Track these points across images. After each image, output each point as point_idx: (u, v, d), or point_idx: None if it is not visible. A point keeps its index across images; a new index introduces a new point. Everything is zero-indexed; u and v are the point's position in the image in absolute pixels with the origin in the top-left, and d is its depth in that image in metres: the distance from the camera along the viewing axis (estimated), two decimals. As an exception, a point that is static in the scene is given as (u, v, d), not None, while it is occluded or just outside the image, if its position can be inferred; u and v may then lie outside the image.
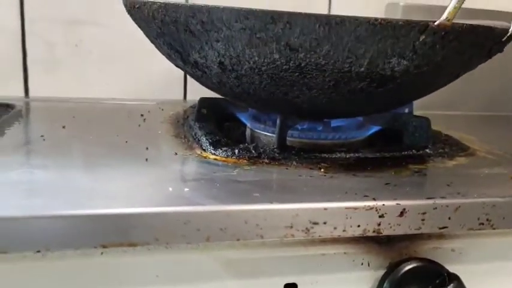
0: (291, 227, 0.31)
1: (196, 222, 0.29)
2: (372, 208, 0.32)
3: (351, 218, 0.32)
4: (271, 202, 0.31)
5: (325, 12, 0.80)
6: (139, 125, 0.54)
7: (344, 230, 0.32)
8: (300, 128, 0.50)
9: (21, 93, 0.71)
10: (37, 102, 0.64)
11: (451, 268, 0.36)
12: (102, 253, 0.31)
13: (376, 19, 0.36)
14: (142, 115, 0.59)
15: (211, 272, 0.33)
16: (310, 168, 0.40)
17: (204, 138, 0.47)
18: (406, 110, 0.56)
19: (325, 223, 0.31)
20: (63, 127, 0.50)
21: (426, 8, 0.76)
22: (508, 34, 0.42)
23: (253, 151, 0.43)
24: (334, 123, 0.51)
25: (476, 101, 0.81)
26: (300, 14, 0.36)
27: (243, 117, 0.53)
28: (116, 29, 0.72)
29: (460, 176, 0.40)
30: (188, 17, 0.39)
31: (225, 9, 0.37)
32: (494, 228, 0.34)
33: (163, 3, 0.40)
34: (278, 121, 0.45)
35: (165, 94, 0.75)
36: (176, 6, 0.39)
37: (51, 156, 0.39)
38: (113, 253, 0.31)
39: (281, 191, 0.34)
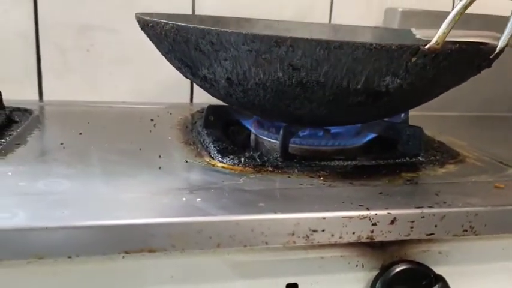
0: (293, 234, 0.35)
1: (208, 231, 0.33)
2: (365, 217, 0.35)
3: (346, 226, 0.35)
4: (275, 212, 0.35)
5: (326, 18, 0.83)
6: (150, 131, 0.57)
7: (340, 237, 0.35)
8: (301, 135, 0.53)
9: (36, 97, 0.75)
10: (51, 107, 0.67)
11: (438, 270, 0.40)
12: (123, 257, 0.34)
13: (371, 44, 0.39)
14: (152, 120, 0.62)
15: (220, 273, 0.37)
16: (311, 177, 0.44)
17: (212, 146, 0.50)
18: (402, 115, 0.59)
19: (323, 231, 0.35)
20: (80, 134, 0.54)
21: (424, 13, 0.79)
22: (495, 52, 0.45)
23: (258, 159, 0.47)
24: (333, 129, 0.54)
25: (470, 102, 0.84)
26: (301, 38, 0.39)
27: (248, 124, 0.57)
28: (126, 34, 0.76)
29: (448, 185, 0.43)
30: (199, 38, 0.42)
31: (233, 33, 0.40)
32: (476, 235, 0.38)
33: (175, 24, 0.43)
34: (281, 131, 0.48)
35: (173, 97, 0.78)
36: (188, 28, 0.42)
37: (72, 165, 0.43)
38: (133, 257, 0.34)
39: (284, 200, 0.38)
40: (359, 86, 0.42)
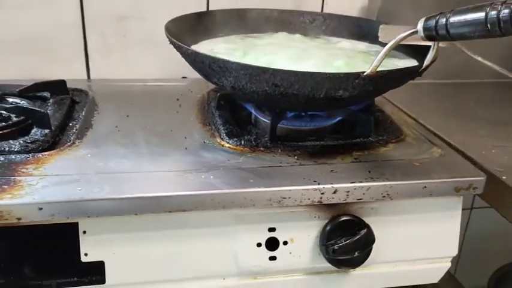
0: (270, 200, 0.56)
1: (218, 199, 0.54)
2: (316, 190, 0.57)
3: (304, 195, 0.56)
4: (259, 187, 0.56)
5: (319, 8, 0.99)
6: (177, 112, 0.78)
7: (301, 201, 0.57)
8: (288, 116, 0.73)
9: (84, 75, 0.95)
10: (99, 86, 0.87)
11: (368, 220, 0.61)
12: (169, 213, 0.56)
13: (326, 73, 0.58)
14: (178, 99, 0.82)
15: (226, 222, 0.59)
16: (289, 156, 0.64)
17: (222, 128, 0.70)
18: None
19: (289, 198, 0.56)
20: (127, 116, 0.75)
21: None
22: (423, 68, 0.64)
23: (253, 142, 0.67)
24: (310, 112, 0.74)
25: (441, 70, 1.01)
26: (280, 70, 0.58)
27: (249, 107, 0.77)
28: (154, 21, 0.94)
29: (381, 163, 0.64)
30: (210, 63, 0.62)
31: (234, 63, 0.60)
32: (392, 199, 0.59)
33: (194, 51, 0.63)
34: (270, 119, 0.68)
35: (192, 72, 0.97)
36: (203, 55, 0.62)
37: (128, 147, 0.64)
38: (174, 214, 0.56)
39: (267, 177, 0.58)
40: (321, 95, 0.61)
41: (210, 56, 0.62)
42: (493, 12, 0.49)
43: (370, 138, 0.70)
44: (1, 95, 0.75)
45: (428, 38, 0.57)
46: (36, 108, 0.67)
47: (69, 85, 0.81)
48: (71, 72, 0.94)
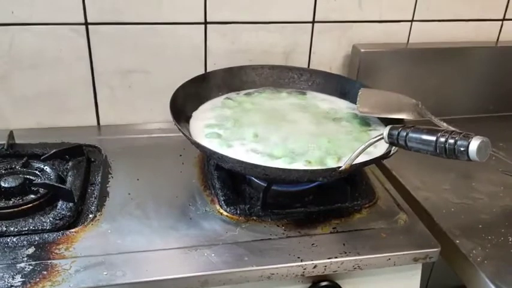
0: (261, 276, 0.69)
1: (219, 278, 0.67)
2: (299, 266, 0.69)
3: (289, 270, 0.69)
4: (252, 265, 0.68)
5: (307, 51, 1.09)
6: (180, 172, 0.89)
7: (286, 276, 0.69)
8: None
9: (94, 122, 1.06)
10: (109, 142, 0.98)
11: (342, 282, 0.74)
12: None
13: (307, 170, 0.69)
14: (180, 155, 0.94)
15: (225, 289, 0.71)
16: (277, 226, 0.77)
17: (220, 193, 0.82)
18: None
19: (277, 274, 0.69)
20: (138, 179, 0.86)
21: (380, 52, 1.06)
22: (391, 153, 0.75)
23: (247, 211, 0.79)
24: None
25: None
26: (269, 167, 0.69)
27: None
28: (156, 74, 1.04)
29: (354, 233, 0.76)
30: (211, 153, 0.73)
31: (230, 158, 0.71)
32: (361, 270, 0.72)
33: (197, 143, 0.74)
34: (262, 192, 0.80)
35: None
36: (205, 148, 0.73)
37: (141, 220, 0.76)
38: None
39: (258, 254, 0.71)
40: (305, 180, 0.73)
41: (209, 149, 0.73)
42: (442, 139, 0.60)
43: (346, 204, 0.82)
44: (26, 160, 0.86)
45: (391, 144, 0.68)
46: (63, 186, 0.78)
47: (82, 137, 0.93)
48: (83, 120, 1.05)
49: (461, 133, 0.59)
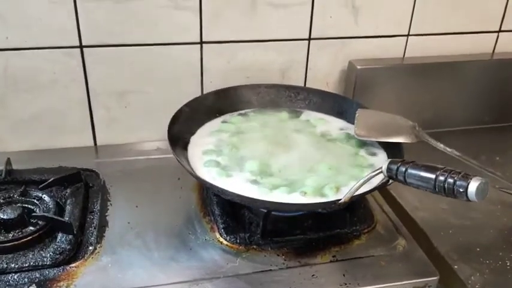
0: (263, 310, 0.69)
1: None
2: (300, 300, 0.70)
3: (290, 304, 0.70)
4: (253, 301, 0.69)
5: (303, 67, 1.08)
6: (180, 197, 0.89)
7: (287, 309, 0.70)
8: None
9: (91, 142, 1.05)
10: (106, 165, 0.97)
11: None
12: (178, 320, 0.69)
13: (306, 203, 0.70)
14: (179, 179, 0.93)
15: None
16: (277, 255, 0.77)
17: (219, 220, 0.82)
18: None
19: (278, 307, 0.70)
20: (136, 206, 0.86)
21: (376, 69, 1.06)
22: (390, 183, 0.75)
23: (247, 240, 0.79)
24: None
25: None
26: (270, 201, 0.70)
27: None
28: (152, 93, 1.03)
29: (354, 261, 0.76)
30: (211, 186, 0.73)
31: (228, 192, 0.71)
32: (361, 300, 0.73)
33: (197, 176, 0.74)
34: (261, 220, 0.80)
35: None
36: (205, 181, 0.73)
37: (140, 251, 0.76)
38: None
39: (258, 286, 0.71)
40: (306, 212, 0.74)
41: (209, 182, 0.73)
42: (441, 178, 0.61)
43: (345, 229, 0.83)
44: (24, 189, 0.86)
45: (390, 177, 0.68)
46: (62, 219, 0.78)
47: (79, 160, 0.94)
48: (79, 141, 1.04)
49: (460, 173, 0.60)
